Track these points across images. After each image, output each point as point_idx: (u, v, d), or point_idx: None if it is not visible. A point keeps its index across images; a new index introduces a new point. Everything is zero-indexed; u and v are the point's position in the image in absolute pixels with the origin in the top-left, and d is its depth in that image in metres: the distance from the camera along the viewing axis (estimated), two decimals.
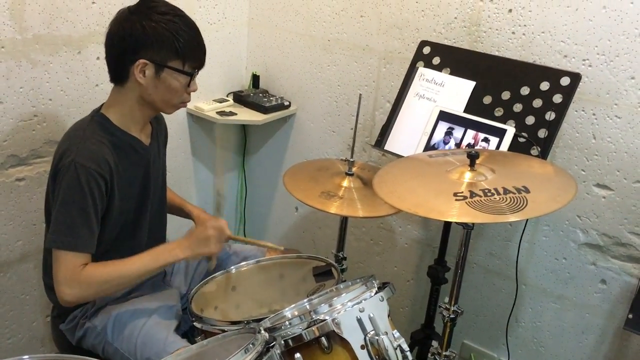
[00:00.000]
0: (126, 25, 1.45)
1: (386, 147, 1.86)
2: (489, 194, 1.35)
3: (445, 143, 1.74)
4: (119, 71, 1.50)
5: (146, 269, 1.49)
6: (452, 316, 1.61)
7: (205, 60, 1.55)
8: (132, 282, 1.53)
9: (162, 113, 1.67)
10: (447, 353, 1.64)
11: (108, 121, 1.53)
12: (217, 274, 1.72)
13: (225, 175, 2.63)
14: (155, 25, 1.43)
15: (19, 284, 1.94)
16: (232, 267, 1.74)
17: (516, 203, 1.32)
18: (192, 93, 1.56)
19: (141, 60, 1.44)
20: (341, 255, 1.98)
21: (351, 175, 1.85)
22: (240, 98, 2.42)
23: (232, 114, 2.34)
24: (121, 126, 1.54)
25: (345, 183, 1.84)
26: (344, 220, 1.98)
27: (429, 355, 1.69)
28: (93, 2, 1.88)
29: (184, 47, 1.46)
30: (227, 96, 2.45)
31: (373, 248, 2.37)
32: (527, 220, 1.92)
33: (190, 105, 2.33)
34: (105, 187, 1.46)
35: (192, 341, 1.53)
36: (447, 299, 1.64)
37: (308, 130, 2.43)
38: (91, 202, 1.43)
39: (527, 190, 1.35)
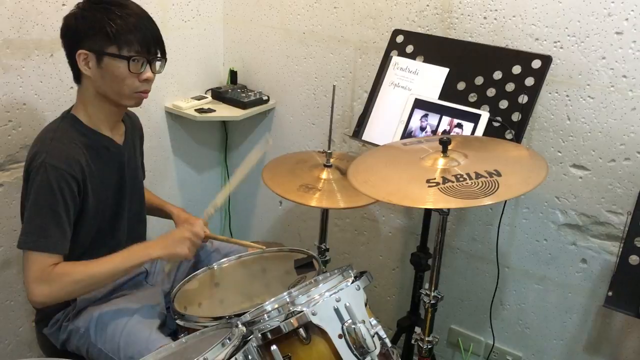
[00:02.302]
0: (64, 22, 1.48)
1: (364, 137, 1.86)
2: (461, 179, 1.36)
3: (422, 129, 1.74)
4: (73, 69, 1.51)
5: (118, 268, 1.48)
6: (432, 302, 1.62)
7: (154, 45, 1.50)
8: (105, 282, 1.51)
9: (133, 111, 1.66)
10: (430, 338, 1.66)
11: (78, 122, 1.53)
12: (199, 271, 1.72)
13: (207, 172, 2.63)
14: (87, 14, 1.44)
15: (3, 290, 1.94)
16: (214, 264, 1.75)
17: (488, 187, 1.32)
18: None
19: (81, 51, 1.45)
20: (324, 247, 1.99)
21: (329, 166, 1.86)
22: (218, 94, 2.41)
23: (210, 110, 2.33)
24: (91, 126, 1.54)
25: (324, 175, 1.84)
26: (325, 212, 1.98)
27: (412, 341, 1.70)
28: (64, 5, 1.87)
29: (117, 31, 1.43)
30: (205, 93, 2.44)
31: (358, 238, 2.38)
32: (505, 203, 1.93)
33: (168, 103, 2.33)
34: (77, 187, 1.46)
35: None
36: (427, 285, 1.65)
37: (288, 124, 2.43)
38: (62, 202, 1.43)
39: (498, 174, 1.36)
